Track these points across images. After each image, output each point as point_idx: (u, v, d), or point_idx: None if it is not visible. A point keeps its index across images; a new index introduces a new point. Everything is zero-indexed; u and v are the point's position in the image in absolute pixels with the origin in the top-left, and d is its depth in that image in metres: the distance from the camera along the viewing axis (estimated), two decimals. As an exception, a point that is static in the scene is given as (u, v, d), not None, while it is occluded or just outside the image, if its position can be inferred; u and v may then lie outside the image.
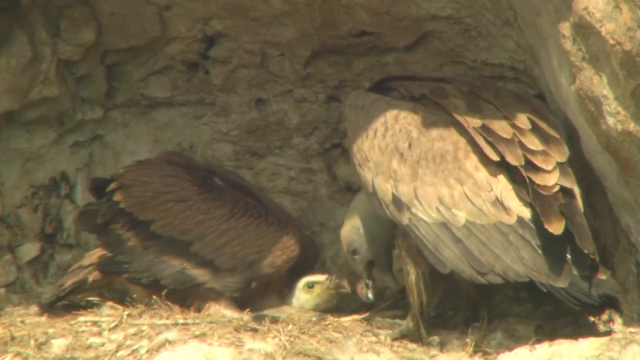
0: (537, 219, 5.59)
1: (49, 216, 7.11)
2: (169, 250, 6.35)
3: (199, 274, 6.32)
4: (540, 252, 5.55)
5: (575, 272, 5.50)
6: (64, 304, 6.47)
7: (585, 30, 5.29)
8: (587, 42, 5.32)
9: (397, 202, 5.83)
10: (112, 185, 6.56)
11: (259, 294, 6.43)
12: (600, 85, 5.33)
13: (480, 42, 6.57)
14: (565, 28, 5.44)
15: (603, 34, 5.20)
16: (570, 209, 5.58)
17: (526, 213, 5.64)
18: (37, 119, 7.00)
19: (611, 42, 5.17)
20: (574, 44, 5.40)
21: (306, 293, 6.49)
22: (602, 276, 5.53)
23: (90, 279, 6.46)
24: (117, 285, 6.52)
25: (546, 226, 5.50)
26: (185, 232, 6.38)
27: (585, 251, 5.47)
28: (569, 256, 5.54)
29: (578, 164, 6.02)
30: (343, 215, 7.16)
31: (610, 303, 5.56)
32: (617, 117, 5.30)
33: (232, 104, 7.17)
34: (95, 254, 6.53)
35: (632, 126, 5.28)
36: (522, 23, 6.07)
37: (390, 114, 5.98)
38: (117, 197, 6.52)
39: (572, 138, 6.07)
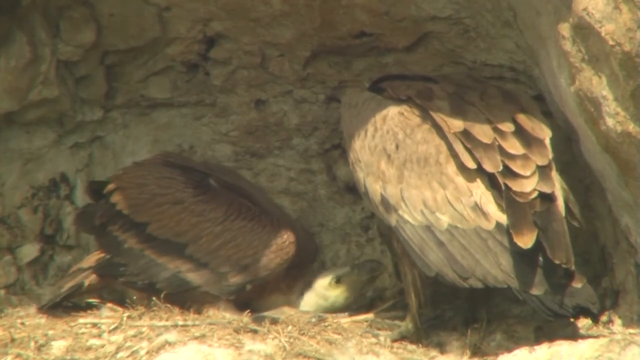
0: None
1: (49, 217, 7.11)
2: (164, 253, 6.36)
3: (194, 278, 6.32)
4: (517, 258, 5.53)
5: (546, 282, 5.48)
6: (63, 306, 6.48)
7: (584, 31, 5.29)
8: (586, 43, 5.32)
9: (385, 203, 5.85)
10: (110, 187, 6.57)
11: (257, 296, 6.43)
12: (599, 86, 5.33)
13: (480, 42, 6.56)
14: (565, 29, 5.43)
15: (603, 34, 5.19)
16: (547, 216, 5.55)
17: (505, 219, 5.62)
18: (37, 119, 6.99)
19: (611, 42, 5.17)
20: (574, 45, 5.40)
21: (334, 289, 6.47)
22: (578, 284, 5.49)
23: (87, 283, 6.47)
24: (114, 288, 6.53)
25: (515, 240, 5.48)
26: (180, 234, 6.38)
27: (557, 262, 5.44)
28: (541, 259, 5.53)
29: (577, 165, 6.03)
30: (343, 216, 7.19)
31: (584, 313, 5.53)
32: (617, 118, 5.30)
33: (231, 105, 7.17)
34: (94, 257, 6.53)
35: (631, 127, 5.28)
36: (522, 24, 6.06)
37: (379, 115, 6.00)
38: (114, 198, 6.54)
39: (571, 139, 6.07)
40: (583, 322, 6.06)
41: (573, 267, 5.47)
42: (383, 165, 5.90)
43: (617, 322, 5.97)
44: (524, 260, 5.51)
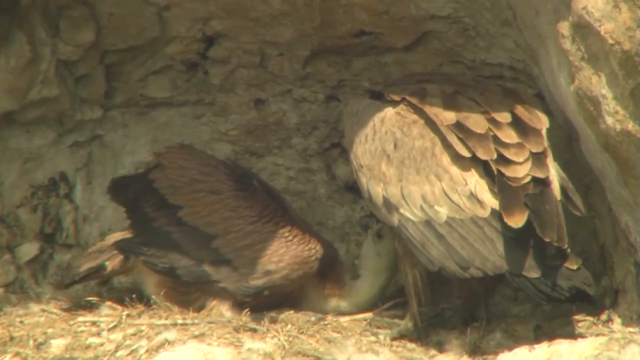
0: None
1: (48, 216, 7.10)
2: (191, 240, 6.30)
3: (214, 272, 6.27)
4: (511, 242, 5.54)
5: (538, 264, 5.48)
6: (63, 306, 6.49)
7: (584, 30, 5.30)
8: (586, 42, 5.33)
9: (387, 204, 5.87)
10: (151, 162, 6.57)
11: (273, 304, 6.39)
12: (599, 85, 5.33)
13: (479, 41, 6.57)
14: (565, 27, 5.44)
15: (602, 33, 5.20)
16: (540, 198, 5.56)
17: (499, 205, 5.63)
18: (37, 119, 6.99)
19: (610, 41, 5.18)
20: (573, 44, 5.40)
21: (381, 242, 6.46)
22: (573, 266, 5.50)
23: (110, 267, 6.45)
24: (134, 275, 6.51)
25: (506, 220, 5.49)
26: (210, 225, 6.31)
27: (547, 240, 5.44)
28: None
29: (577, 164, 6.03)
30: (342, 215, 7.19)
31: (581, 296, 5.50)
32: (616, 117, 5.30)
33: (231, 104, 7.17)
34: (115, 237, 6.51)
35: (631, 126, 5.28)
36: (521, 23, 6.07)
37: (378, 118, 6.03)
38: (153, 175, 6.50)
39: (571, 138, 6.08)
40: (583, 322, 6.08)
41: (566, 247, 5.47)
42: (383, 167, 5.92)
43: (617, 321, 5.97)
44: (518, 244, 5.51)
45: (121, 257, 6.45)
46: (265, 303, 6.32)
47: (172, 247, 6.30)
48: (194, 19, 6.85)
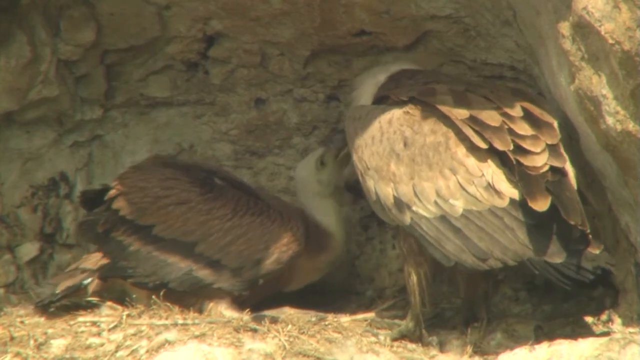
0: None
1: (49, 216, 7.10)
2: (174, 252, 6.32)
3: (206, 275, 6.30)
4: (533, 230, 5.54)
5: (563, 248, 5.48)
6: (63, 305, 6.48)
7: (584, 30, 5.29)
8: (586, 42, 5.32)
9: (398, 203, 5.84)
10: (110, 193, 6.55)
11: (268, 290, 6.42)
12: (599, 85, 5.33)
13: (480, 41, 6.57)
14: (565, 28, 5.44)
15: (602, 33, 5.20)
16: (559, 185, 5.57)
17: (517, 194, 5.63)
18: (37, 119, 6.99)
19: (610, 41, 5.18)
20: (573, 44, 5.40)
21: (324, 169, 6.57)
22: (595, 250, 5.50)
23: (90, 288, 6.42)
24: (116, 288, 6.51)
25: (530, 204, 5.49)
26: (188, 233, 6.35)
27: (572, 222, 5.44)
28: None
29: (577, 164, 6.02)
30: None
31: (603, 279, 5.51)
32: (617, 117, 5.30)
33: (231, 104, 7.17)
34: (94, 259, 6.50)
35: (631, 126, 5.28)
36: (522, 23, 6.06)
37: (385, 119, 6.01)
38: (116, 205, 6.50)
39: (571, 138, 6.07)
40: (583, 321, 6.08)
41: (589, 231, 5.48)
42: (393, 167, 5.89)
43: (617, 321, 5.97)
44: (539, 230, 5.51)
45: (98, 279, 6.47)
46: (262, 292, 6.37)
47: (158, 264, 6.33)
48: (194, 19, 6.85)
